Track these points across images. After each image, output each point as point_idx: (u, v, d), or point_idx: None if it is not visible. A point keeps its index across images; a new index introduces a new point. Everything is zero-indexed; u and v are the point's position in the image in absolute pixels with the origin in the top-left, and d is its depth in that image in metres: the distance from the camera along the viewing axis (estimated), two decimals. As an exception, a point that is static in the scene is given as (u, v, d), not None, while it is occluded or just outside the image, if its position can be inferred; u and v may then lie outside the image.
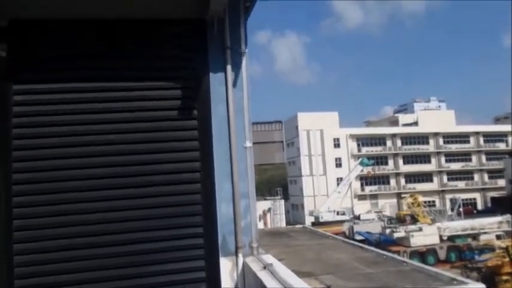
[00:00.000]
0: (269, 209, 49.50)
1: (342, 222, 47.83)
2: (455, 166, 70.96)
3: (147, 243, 4.16)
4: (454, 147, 71.26)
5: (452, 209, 52.55)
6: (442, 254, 36.84)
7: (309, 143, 66.49)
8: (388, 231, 40.68)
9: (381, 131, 70.80)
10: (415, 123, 74.33)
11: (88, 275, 4.00)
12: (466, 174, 71.54)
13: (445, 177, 70.54)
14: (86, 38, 4.30)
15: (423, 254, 35.89)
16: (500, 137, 73.35)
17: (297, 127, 66.00)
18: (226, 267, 4.29)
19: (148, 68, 4.39)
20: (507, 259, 29.81)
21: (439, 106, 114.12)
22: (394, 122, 78.38)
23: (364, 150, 67.92)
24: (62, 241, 4.00)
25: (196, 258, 4.22)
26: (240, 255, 4.31)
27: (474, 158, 72.53)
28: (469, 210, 59.56)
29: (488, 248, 35.24)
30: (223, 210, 4.37)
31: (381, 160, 67.95)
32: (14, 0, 4.07)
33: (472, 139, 72.69)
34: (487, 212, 54.42)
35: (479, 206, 69.14)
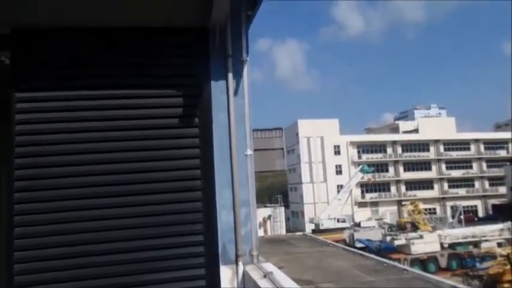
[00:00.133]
0: (269, 216, 49.41)
1: (342, 229, 47.71)
2: (456, 173, 70.90)
3: (147, 252, 4.14)
4: (454, 155, 71.26)
5: (453, 217, 52.43)
6: (443, 262, 36.68)
7: (309, 150, 66.51)
8: (388, 238, 40.52)
9: (381, 138, 70.87)
10: (416, 131, 74.41)
11: (88, 283, 3.98)
12: (467, 182, 71.48)
13: (445, 185, 70.45)
14: (88, 46, 4.32)
15: (424, 262, 35.75)
16: (501, 144, 73.36)
17: (297, 134, 66.07)
18: (227, 276, 4.28)
19: (149, 76, 4.41)
20: (508, 267, 29.66)
21: (440, 113, 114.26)
22: (395, 129, 78.48)
23: (365, 157, 67.93)
24: (62, 249, 3.99)
25: (196, 266, 4.21)
26: (240, 264, 4.29)
27: (475, 165, 72.49)
28: (470, 217, 59.45)
29: (490, 256, 35.13)
30: (223, 218, 4.37)
31: (381, 167, 67.94)
32: (16, 8, 4.11)
33: (472, 146, 72.71)
34: (488, 220, 54.25)
35: (480, 214, 69.00)
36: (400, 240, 38.20)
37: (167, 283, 4.13)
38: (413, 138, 71.22)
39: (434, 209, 64.10)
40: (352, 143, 68.23)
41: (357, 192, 64.02)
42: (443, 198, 68.45)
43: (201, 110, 4.43)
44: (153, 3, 4.28)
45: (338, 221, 51.70)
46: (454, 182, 70.73)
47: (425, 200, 59.95)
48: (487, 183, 71.90)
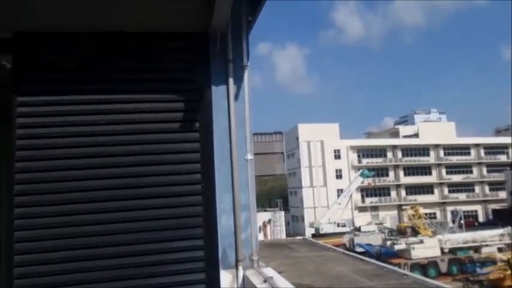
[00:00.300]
0: (269, 221, 49.29)
1: (342, 234, 47.60)
2: (456, 178, 70.82)
3: (147, 256, 4.14)
4: (454, 159, 71.20)
5: (453, 221, 52.29)
6: (443, 267, 36.57)
7: (309, 154, 66.48)
8: (388, 243, 40.43)
9: (381, 143, 70.85)
10: (416, 135, 74.36)
11: None
12: (467, 186, 71.36)
13: (446, 189, 70.35)
14: (89, 51, 4.34)
15: (424, 267, 35.64)
16: (501, 149, 73.33)
17: (297, 138, 66.05)
18: (227, 281, 4.28)
19: (150, 81, 4.43)
20: (509, 272, 29.59)
21: (440, 118, 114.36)
22: (395, 134, 78.42)
23: (365, 161, 67.87)
24: (61, 253, 3.99)
25: (196, 271, 4.20)
26: (241, 268, 4.29)
27: (475, 170, 72.42)
28: (471, 222, 59.30)
29: (490, 261, 35.01)
30: (223, 222, 4.37)
31: (381, 172, 67.86)
32: (17, 13, 4.14)
33: (472, 151, 72.67)
34: (488, 225, 54.10)
35: (481, 218, 68.81)
36: (401, 245, 38.09)
37: (167, 287, 4.13)
38: (413, 143, 71.17)
39: (434, 213, 63.98)
40: (352, 148, 68.19)
41: (357, 196, 63.90)
42: (443, 203, 68.32)
43: (202, 115, 4.44)
44: (154, 9, 4.31)
45: (338, 225, 51.58)
46: (454, 187, 70.61)
47: (425, 205, 59.80)
48: (487, 188, 71.78)
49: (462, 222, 51.15)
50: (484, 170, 72.36)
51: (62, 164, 4.11)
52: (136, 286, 4.09)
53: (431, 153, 71.01)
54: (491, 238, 39.74)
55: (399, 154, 69.52)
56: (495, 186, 70.26)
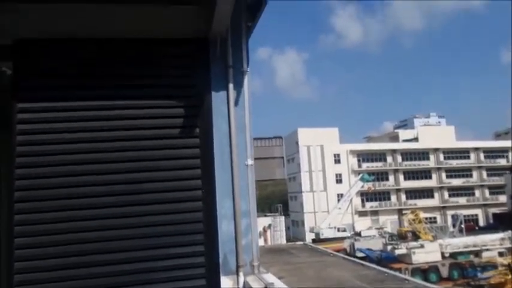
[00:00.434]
0: (269, 226, 49.10)
1: (342, 238, 47.45)
2: (456, 182, 70.77)
3: (148, 262, 4.13)
4: (454, 163, 71.18)
5: (454, 226, 52.19)
6: (444, 272, 36.45)
7: (309, 159, 66.46)
8: (389, 248, 40.29)
9: (381, 147, 70.86)
10: (415, 139, 74.41)
11: (88, 294, 3.97)
12: (467, 190, 71.31)
13: (446, 193, 70.28)
14: (89, 57, 4.35)
15: (425, 272, 35.52)
16: (501, 152, 73.35)
17: (297, 142, 66.05)
18: (227, 287, 4.26)
19: (150, 87, 4.44)
20: (510, 276, 29.50)
21: (439, 122, 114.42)
22: (394, 138, 78.49)
23: (365, 166, 67.84)
24: (63, 259, 3.98)
25: (197, 277, 4.19)
26: (241, 274, 4.28)
27: (475, 173, 72.38)
28: (471, 226, 59.21)
29: (491, 266, 34.90)
30: (224, 228, 4.36)
31: (381, 176, 67.83)
32: (18, 20, 4.15)
33: (472, 155, 72.69)
34: (489, 229, 53.99)
35: (481, 223, 68.70)
36: (401, 250, 37.97)
37: (168, 294, 4.11)
38: (413, 147, 71.18)
39: (434, 218, 63.89)
40: (352, 152, 68.19)
41: (357, 201, 63.81)
42: (443, 207, 68.24)
43: (202, 120, 4.45)
44: (154, 15, 4.33)
45: (338, 230, 51.44)
46: (455, 191, 70.55)
47: (425, 209, 59.74)
48: (487, 192, 71.71)
49: (463, 226, 51.05)
50: (484, 173, 72.32)
51: (61, 170, 4.10)
52: (137, 293, 4.07)
53: (431, 157, 71.01)
54: (491, 242, 39.66)
55: (399, 158, 69.51)
56: (495, 190, 70.19)
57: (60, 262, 3.97)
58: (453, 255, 38.24)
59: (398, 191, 68.48)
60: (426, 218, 52.43)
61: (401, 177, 69.05)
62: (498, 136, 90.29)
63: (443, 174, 70.85)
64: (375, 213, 66.67)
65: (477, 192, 71.66)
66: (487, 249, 38.75)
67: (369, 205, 66.53)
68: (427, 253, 36.67)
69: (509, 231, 39.85)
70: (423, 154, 70.93)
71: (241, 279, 4.26)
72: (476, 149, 72.50)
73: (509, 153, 71.39)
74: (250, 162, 4.52)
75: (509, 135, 73.19)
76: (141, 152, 4.29)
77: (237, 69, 4.56)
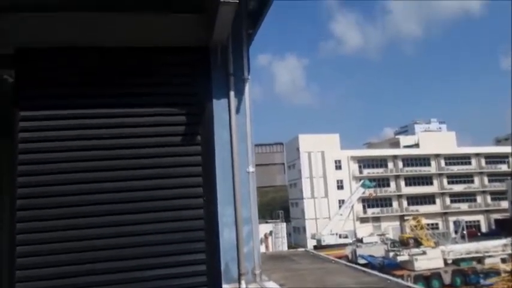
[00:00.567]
0: (271, 232, 48.96)
1: (344, 245, 47.22)
2: (458, 188, 70.54)
3: (147, 271, 4.12)
4: (455, 169, 71.01)
5: (456, 232, 51.92)
6: (447, 278, 36.18)
7: (310, 165, 66.36)
8: (391, 254, 40.07)
9: (382, 153, 70.76)
10: (416, 145, 74.32)
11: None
12: (469, 196, 71.06)
13: (447, 199, 70.04)
14: (90, 66, 4.38)
15: (428, 278, 35.28)
16: (502, 158, 73.20)
17: (298, 149, 66.01)
18: (229, 295, 4.24)
19: (151, 95, 4.45)
20: (513, 283, 29.30)
21: (440, 128, 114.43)
22: (395, 144, 78.38)
23: (366, 172, 67.70)
24: (65, 268, 3.97)
25: (198, 285, 4.17)
26: (243, 282, 4.26)
27: (476, 179, 72.18)
28: (473, 232, 58.91)
29: (494, 272, 34.68)
30: (225, 236, 4.35)
31: (382, 182, 67.65)
32: (19, 29, 4.18)
33: (473, 161, 72.54)
34: (491, 235, 53.70)
35: (483, 229, 68.39)
36: (403, 256, 37.75)
37: (169, 302, 4.09)
38: (414, 153, 71.07)
39: (436, 224, 63.63)
40: (353, 158, 68.09)
41: (359, 207, 63.60)
42: (445, 213, 67.97)
43: (203, 128, 4.46)
44: (155, 23, 4.37)
45: (340, 236, 51.20)
46: (456, 197, 70.31)
47: (427, 215, 59.53)
48: (489, 198, 71.45)
49: (465, 232, 50.76)
50: (486, 179, 72.12)
51: (63, 178, 4.11)
52: (138, 301, 4.05)
53: (432, 163, 70.89)
54: (494, 248, 39.41)
55: (400, 164, 69.38)
56: (497, 195, 69.91)
57: (61, 271, 3.96)
58: (456, 261, 38.00)
59: (399, 197, 68.27)
60: (428, 224, 52.24)
61: (402, 183, 68.86)
62: (498, 142, 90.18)
63: (445, 180, 70.65)
64: (376, 219, 66.41)
65: (479, 198, 71.41)
66: (490, 256, 38.49)
67: (371, 211, 66.30)
68: (429, 260, 36.44)
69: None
70: (424, 160, 70.80)
71: (243, 287, 4.24)
72: (477, 155, 72.36)
73: (510, 159, 71.24)
74: (251, 169, 4.52)
75: (509, 141, 73.13)
76: (142, 160, 4.30)
77: (238, 77, 4.58)
